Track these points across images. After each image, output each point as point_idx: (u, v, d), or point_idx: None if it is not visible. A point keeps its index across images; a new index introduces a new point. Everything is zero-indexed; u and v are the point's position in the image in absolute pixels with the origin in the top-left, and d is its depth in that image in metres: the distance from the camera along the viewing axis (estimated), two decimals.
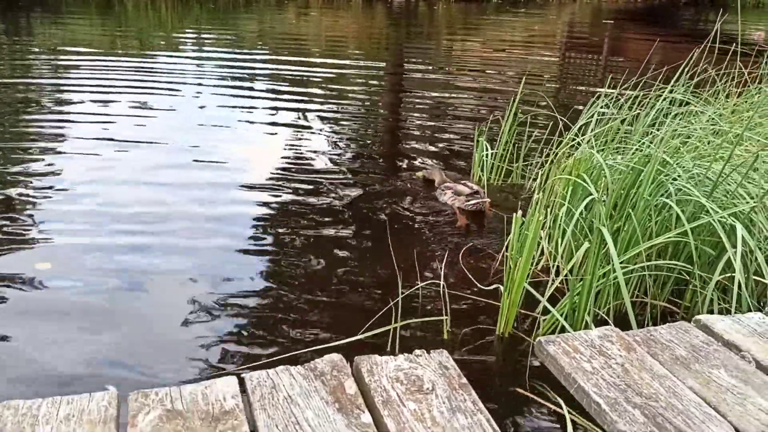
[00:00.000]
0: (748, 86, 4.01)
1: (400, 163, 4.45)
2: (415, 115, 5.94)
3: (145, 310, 2.49)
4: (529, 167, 3.99)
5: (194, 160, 4.36)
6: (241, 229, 3.27)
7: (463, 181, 3.73)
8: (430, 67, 8.58)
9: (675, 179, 2.45)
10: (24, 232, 3.09)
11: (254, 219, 3.42)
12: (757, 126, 3.47)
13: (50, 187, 3.69)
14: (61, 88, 6.41)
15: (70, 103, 5.82)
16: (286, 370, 1.35)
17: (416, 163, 4.43)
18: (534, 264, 2.77)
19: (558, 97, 6.87)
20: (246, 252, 3.02)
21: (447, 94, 6.81)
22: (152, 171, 4.09)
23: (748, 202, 2.31)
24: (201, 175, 4.08)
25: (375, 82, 7.58)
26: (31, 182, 3.79)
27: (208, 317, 2.45)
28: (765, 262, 2.18)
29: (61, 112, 5.48)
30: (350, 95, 6.72)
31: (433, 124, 5.49)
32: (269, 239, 3.18)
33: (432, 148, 4.74)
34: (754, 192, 2.43)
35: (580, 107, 3.83)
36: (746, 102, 3.93)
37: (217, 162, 4.35)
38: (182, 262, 2.88)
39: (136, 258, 2.90)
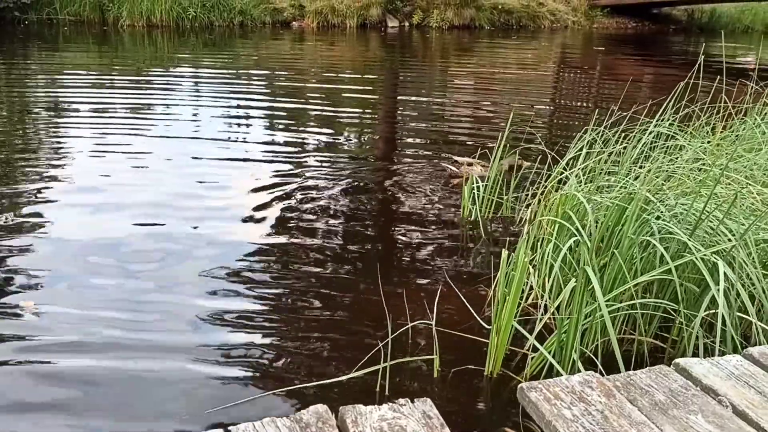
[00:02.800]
0: (734, 119, 4.08)
1: (392, 196, 4.50)
2: (409, 141, 6.04)
3: (122, 346, 2.51)
4: (519, 199, 4.04)
5: (187, 189, 4.43)
6: (227, 262, 3.30)
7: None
8: (424, 95, 8.68)
9: (659, 217, 2.49)
10: (11, 269, 3.11)
11: (241, 251, 3.46)
12: (741, 159, 3.53)
13: (39, 215, 3.73)
14: (56, 120, 6.46)
15: (63, 135, 5.86)
16: (272, 422, 1.37)
17: (408, 195, 4.48)
18: (523, 299, 2.80)
19: (551, 127, 6.96)
20: (230, 287, 3.04)
21: (440, 123, 6.89)
22: (146, 202, 4.14)
23: (730, 239, 2.36)
24: (192, 204, 4.14)
25: (369, 111, 7.67)
26: (19, 212, 3.84)
27: (190, 355, 2.47)
28: (748, 298, 2.22)
29: (54, 144, 5.55)
30: (345, 124, 6.81)
31: (426, 153, 5.55)
32: (255, 273, 3.20)
33: (423, 179, 4.79)
34: (736, 228, 2.47)
35: (575, 134, 3.89)
36: (732, 134, 4.00)
37: (210, 190, 4.41)
38: (165, 297, 2.91)
39: (121, 294, 2.92)
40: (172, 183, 4.61)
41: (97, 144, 5.51)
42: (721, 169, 2.48)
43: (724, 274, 2.14)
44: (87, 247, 3.43)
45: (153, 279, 3.11)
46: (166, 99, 7.68)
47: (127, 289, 2.98)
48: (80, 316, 2.73)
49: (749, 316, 2.20)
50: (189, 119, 6.73)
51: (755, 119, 4.06)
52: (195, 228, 3.77)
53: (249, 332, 2.65)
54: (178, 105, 7.36)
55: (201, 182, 4.60)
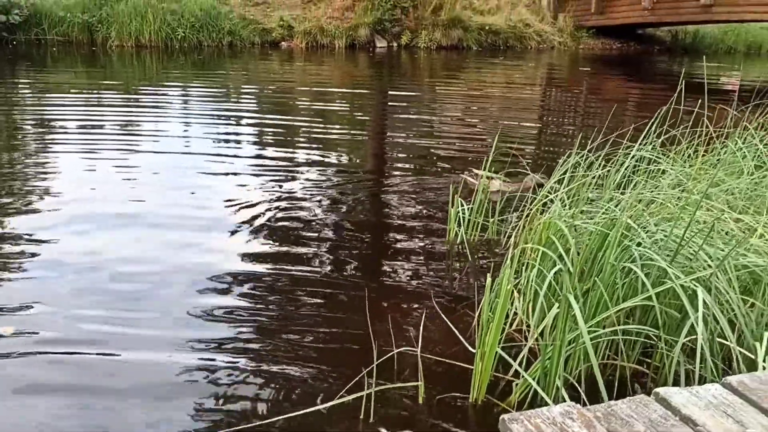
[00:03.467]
0: (715, 142, 4.14)
1: (379, 217, 4.52)
2: (398, 159, 6.13)
3: (100, 369, 2.50)
4: (504, 222, 4.07)
5: (175, 205, 4.48)
6: (210, 283, 3.31)
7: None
8: (413, 113, 8.75)
9: (640, 243, 2.52)
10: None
11: (226, 270, 3.47)
12: (722, 183, 3.58)
13: (29, 236, 3.72)
14: (44, 136, 6.48)
15: (51, 150, 5.88)
16: None
17: (395, 216, 4.50)
18: (508, 324, 2.82)
19: (539, 146, 7.02)
20: (212, 309, 3.04)
21: (429, 141, 6.96)
22: (132, 216, 4.17)
23: (710, 265, 2.39)
24: (179, 220, 4.18)
25: (359, 128, 7.75)
26: (8, 225, 3.84)
27: (171, 378, 2.46)
28: (728, 324, 2.25)
29: (42, 159, 5.58)
30: (334, 141, 6.87)
31: (415, 171, 5.60)
32: (237, 296, 3.21)
33: (412, 199, 4.83)
34: (716, 253, 2.51)
35: (561, 155, 3.93)
36: (714, 157, 4.06)
37: (197, 206, 4.46)
38: (142, 322, 2.91)
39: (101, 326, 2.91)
40: (160, 198, 4.67)
41: (85, 159, 5.57)
42: (700, 196, 2.52)
43: (703, 301, 2.16)
44: (73, 266, 3.44)
45: (134, 303, 3.11)
46: (155, 116, 7.75)
47: (102, 316, 2.97)
48: (57, 337, 2.72)
49: (729, 341, 2.22)
50: (178, 135, 6.84)
51: (736, 142, 4.13)
52: (179, 246, 3.79)
53: (230, 357, 2.64)
54: (167, 122, 7.46)
55: (189, 198, 4.68)
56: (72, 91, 9.65)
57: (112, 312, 3.00)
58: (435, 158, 6.20)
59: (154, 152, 6.00)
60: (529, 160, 5.93)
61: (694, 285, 2.24)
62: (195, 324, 2.91)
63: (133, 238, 3.92)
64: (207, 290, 3.24)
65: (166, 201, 4.65)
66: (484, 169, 4.24)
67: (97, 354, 2.64)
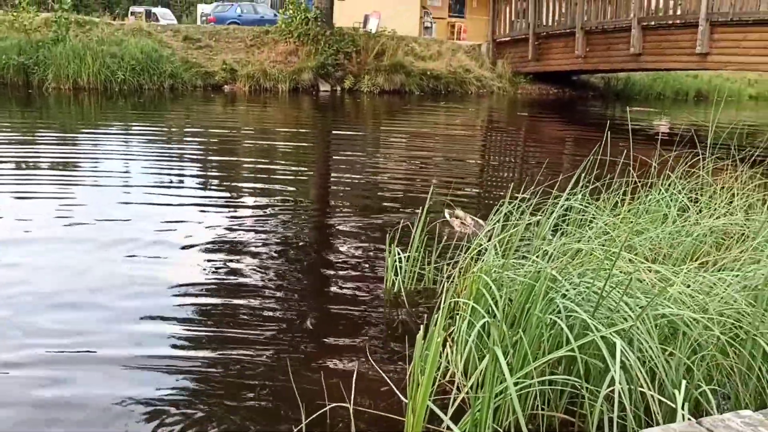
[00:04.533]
0: (640, 190, 4.32)
1: (318, 262, 4.53)
2: (340, 206, 6.17)
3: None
4: (440, 271, 4.13)
5: (113, 255, 4.38)
6: (132, 337, 3.25)
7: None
8: (356, 155, 8.85)
9: (565, 295, 2.61)
10: None
11: (152, 316, 3.46)
12: (646, 231, 3.74)
13: None
14: None
15: None
16: None
17: (334, 262, 4.52)
18: (441, 374, 2.84)
19: (480, 188, 7.17)
20: (133, 373, 2.98)
21: (371, 185, 7.06)
22: (73, 269, 4.08)
23: (630, 316, 2.48)
24: (120, 271, 4.11)
25: (302, 171, 7.81)
26: None
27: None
28: (646, 374, 2.33)
29: None
30: (277, 184, 6.89)
31: (357, 214, 5.65)
32: (159, 350, 3.16)
33: (352, 244, 4.86)
34: (637, 304, 2.61)
35: (499, 198, 4.04)
36: (639, 205, 4.23)
37: (138, 256, 4.38)
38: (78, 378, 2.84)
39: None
40: (96, 231, 4.71)
41: (20, 195, 5.49)
42: (619, 249, 2.62)
43: (622, 352, 2.24)
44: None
45: (60, 336, 3.03)
46: (93, 155, 7.76)
47: (38, 355, 2.89)
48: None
49: (649, 391, 2.30)
50: (117, 173, 6.86)
51: (660, 190, 4.32)
52: (103, 290, 3.78)
53: (147, 423, 2.58)
54: (106, 160, 7.48)
55: (125, 232, 4.72)
56: (5, 130, 9.44)
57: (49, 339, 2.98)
58: (378, 199, 6.28)
59: (93, 186, 6.07)
60: (470, 203, 6.06)
61: (614, 336, 2.32)
62: (121, 375, 2.85)
63: (67, 268, 3.94)
64: (124, 348, 3.17)
65: (103, 234, 4.69)
66: (421, 214, 4.30)
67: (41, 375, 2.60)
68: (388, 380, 2.79)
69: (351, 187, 6.96)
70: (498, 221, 3.88)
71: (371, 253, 4.67)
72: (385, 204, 6.20)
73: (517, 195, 3.92)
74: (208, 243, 4.68)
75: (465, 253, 3.74)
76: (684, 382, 2.33)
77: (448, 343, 2.96)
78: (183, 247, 4.52)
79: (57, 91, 14.20)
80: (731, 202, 4.21)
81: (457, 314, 3.12)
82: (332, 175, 7.96)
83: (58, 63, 14.30)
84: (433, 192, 4.49)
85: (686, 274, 2.90)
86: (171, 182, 6.61)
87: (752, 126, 13.54)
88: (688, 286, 2.75)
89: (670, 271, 2.85)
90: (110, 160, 7.46)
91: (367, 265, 4.46)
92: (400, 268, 4.08)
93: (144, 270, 4.07)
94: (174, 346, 3.18)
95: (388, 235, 4.37)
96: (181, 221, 5.19)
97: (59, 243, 4.49)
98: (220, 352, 3.14)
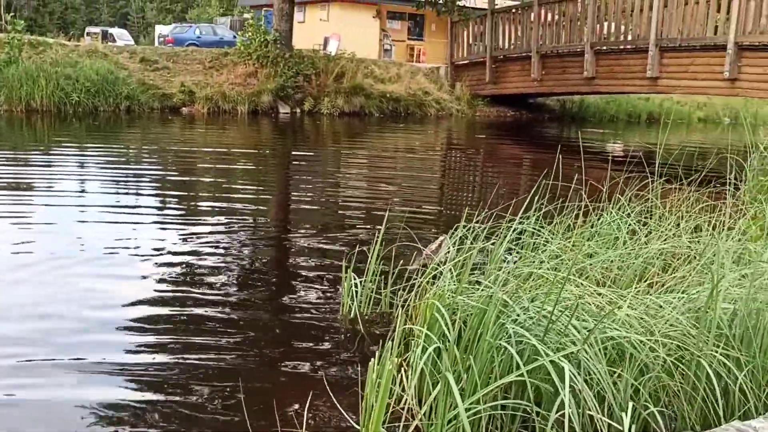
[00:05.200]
0: (591, 214, 4.41)
1: (274, 285, 4.51)
2: (300, 228, 6.18)
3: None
4: (396, 295, 4.14)
5: (68, 272, 4.39)
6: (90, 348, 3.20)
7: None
8: (316, 177, 8.85)
9: (515, 320, 2.64)
10: None
11: (104, 339, 3.42)
12: (596, 254, 3.81)
13: None
14: None
15: None
16: None
17: (291, 287, 4.50)
18: (395, 400, 2.84)
19: (437, 208, 7.22)
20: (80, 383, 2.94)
21: (331, 206, 7.08)
22: (27, 296, 4.01)
23: (579, 340, 2.52)
24: (74, 288, 4.12)
25: (262, 192, 7.79)
26: None
27: None
28: (595, 397, 2.37)
29: None
30: (236, 205, 6.87)
31: (315, 236, 5.66)
32: (102, 377, 3.12)
33: (310, 267, 4.85)
34: (586, 328, 2.65)
35: (455, 220, 4.08)
36: (591, 228, 4.31)
37: (91, 275, 4.36)
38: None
39: None
40: (50, 249, 4.73)
41: None
42: (567, 273, 2.67)
43: (571, 376, 2.28)
44: None
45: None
46: (47, 175, 7.65)
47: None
48: None
49: (596, 414, 2.34)
50: (72, 194, 6.86)
51: (610, 213, 4.41)
52: (57, 304, 3.82)
53: None
54: (60, 180, 7.41)
55: (82, 253, 4.72)
56: None
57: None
58: (337, 222, 6.29)
59: (47, 206, 6.04)
60: (428, 225, 6.10)
61: (562, 360, 2.36)
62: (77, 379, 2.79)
63: (21, 287, 3.96)
64: (87, 349, 3.13)
65: (57, 252, 4.70)
66: (377, 240, 4.31)
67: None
68: (340, 407, 2.78)
69: (310, 209, 6.95)
70: (453, 245, 3.92)
71: (329, 277, 4.67)
72: (344, 227, 6.20)
73: (472, 218, 3.96)
74: (162, 265, 4.65)
75: (421, 278, 3.76)
76: (631, 404, 2.37)
77: (403, 369, 2.96)
78: (137, 268, 4.51)
79: (9, 114, 13.89)
80: (679, 224, 4.32)
81: (412, 340, 3.13)
82: (292, 196, 7.95)
83: (11, 85, 14.00)
84: (389, 217, 4.49)
85: (634, 296, 2.97)
86: (127, 203, 6.54)
87: (702, 147, 13.97)
88: (636, 309, 2.81)
89: (618, 294, 2.91)
90: (65, 181, 7.41)
91: (323, 289, 4.45)
92: (356, 292, 4.08)
93: (97, 289, 4.10)
94: (123, 370, 3.14)
95: (344, 260, 4.38)
96: (137, 241, 5.16)
97: (12, 261, 4.49)
98: (171, 375, 3.11)
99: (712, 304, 2.64)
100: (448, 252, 4.51)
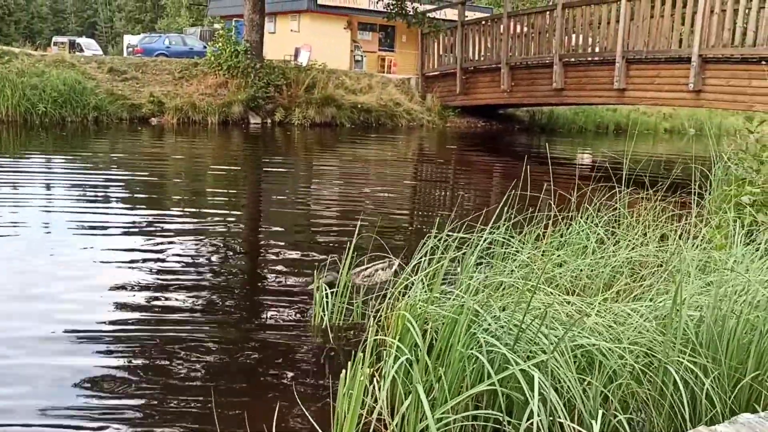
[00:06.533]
0: (560, 223, 4.45)
1: (246, 295, 4.48)
2: (271, 239, 6.15)
3: None
4: (368, 305, 4.13)
5: (30, 294, 4.28)
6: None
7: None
8: (288, 187, 8.81)
9: (487, 329, 2.65)
10: None
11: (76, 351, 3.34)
12: (565, 264, 3.85)
13: None
14: None
15: None
16: None
17: (262, 295, 4.47)
18: (367, 411, 2.83)
19: (409, 219, 7.23)
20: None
21: (303, 217, 7.07)
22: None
23: (549, 348, 2.54)
24: (37, 309, 4.03)
25: (232, 202, 7.75)
26: None
27: None
28: (565, 405, 2.39)
29: None
30: (207, 215, 6.82)
31: (286, 252, 5.62)
32: (82, 387, 3.06)
33: (282, 278, 4.82)
34: (556, 336, 2.67)
35: (426, 232, 4.08)
36: (560, 237, 4.36)
37: (59, 292, 4.30)
38: None
39: None
40: (17, 261, 4.68)
41: None
42: (537, 282, 2.70)
43: (541, 384, 2.29)
44: None
45: None
46: (11, 184, 7.47)
47: None
48: None
49: (566, 421, 2.36)
50: (39, 203, 6.77)
51: (579, 222, 4.47)
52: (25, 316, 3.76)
53: None
54: (26, 189, 7.32)
55: (50, 270, 4.64)
56: None
57: None
58: (308, 232, 6.28)
59: (12, 213, 6.02)
60: (396, 237, 6.11)
61: (532, 368, 2.37)
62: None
63: None
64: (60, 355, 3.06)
65: (24, 264, 4.69)
66: (349, 250, 4.30)
67: None
68: (311, 418, 2.76)
69: (281, 220, 6.92)
70: (425, 255, 3.93)
71: (300, 287, 4.65)
72: (316, 237, 6.19)
73: (443, 228, 3.97)
74: (133, 273, 4.63)
75: (393, 288, 3.76)
76: (601, 411, 2.39)
77: (375, 380, 2.96)
78: (103, 282, 4.43)
79: None
80: (645, 233, 4.39)
81: (384, 350, 3.13)
82: (262, 206, 7.92)
83: None
84: (360, 228, 4.50)
85: (602, 304, 3.00)
86: (93, 218, 6.42)
87: (668, 157, 14.23)
88: (604, 317, 2.85)
89: (587, 302, 2.94)
90: (31, 187, 7.33)
91: (295, 300, 4.43)
92: (328, 303, 4.07)
93: (65, 300, 4.07)
94: (96, 374, 3.11)
95: (316, 270, 4.37)
96: (103, 254, 5.10)
97: None
98: (142, 383, 3.08)
99: (677, 311, 2.68)
100: (386, 279, 4.48)
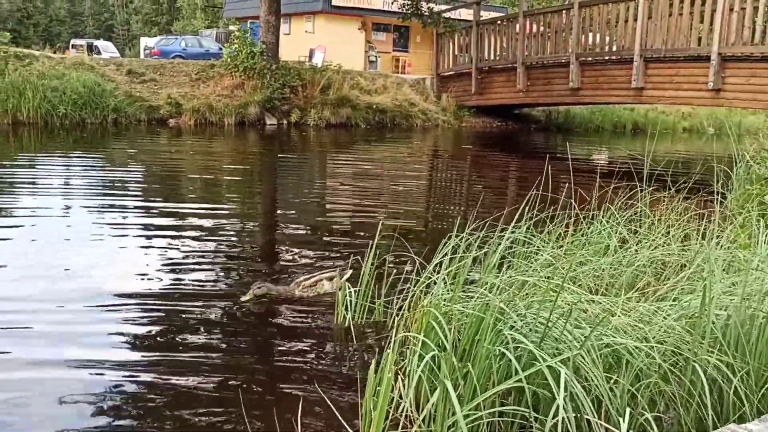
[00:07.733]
0: (582, 222, 4.44)
1: (269, 302, 4.50)
2: (288, 239, 6.19)
3: None
4: (390, 304, 4.15)
5: (48, 276, 4.44)
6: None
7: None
8: (304, 187, 8.85)
9: (512, 326, 2.66)
10: None
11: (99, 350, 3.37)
12: (588, 262, 3.85)
13: None
14: None
15: None
16: None
17: (284, 301, 4.49)
18: (393, 408, 2.85)
19: (425, 223, 7.24)
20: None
21: (320, 218, 7.08)
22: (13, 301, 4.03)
23: (575, 346, 2.55)
24: (50, 293, 4.16)
25: (249, 203, 7.80)
26: None
27: None
28: (592, 403, 2.39)
29: None
30: (225, 217, 6.86)
31: (304, 248, 5.66)
32: (107, 374, 3.11)
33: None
34: (582, 334, 2.68)
35: (446, 232, 4.09)
36: (582, 236, 4.35)
37: (74, 277, 4.46)
38: None
39: None
40: (35, 266, 4.69)
41: None
42: (562, 280, 2.70)
43: (568, 381, 2.30)
44: None
45: None
46: (33, 189, 7.57)
47: None
48: None
49: (594, 419, 2.36)
50: (58, 205, 6.81)
51: (601, 222, 4.46)
52: (44, 313, 3.81)
53: None
54: (47, 192, 7.42)
55: (66, 269, 4.67)
56: None
57: None
58: (327, 232, 6.30)
59: (34, 216, 6.05)
60: (416, 237, 6.12)
61: (559, 365, 2.38)
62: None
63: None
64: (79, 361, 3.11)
65: (45, 262, 4.75)
66: (371, 250, 4.31)
67: None
68: (339, 416, 2.78)
69: (300, 220, 6.96)
70: (446, 254, 3.94)
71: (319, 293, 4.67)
72: (335, 237, 6.21)
73: (463, 227, 3.98)
74: (152, 273, 4.66)
75: (414, 287, 3.77)
76: (628, 409, 2.39)
77: (399, 377, 2.97)
78: (123, 285, 4.46)
79: None
80: (668, 233, 4.37)
81: (408, 348, 3.14)
82: (280, 207, 7.96)
83: None
84: (382, 227, 4.51)
85: (627, 303, 3.00)
86: (113, 214, 6.51)
87: (688, 157, 14.13)
88: (630, 316, 2.84)
89: (611, 301, 2.94)
90: (52, 188, 7.44)
91: (317, 300, 4.45)
92: (350, 302, 4.09)
93: (84, 300, 4.10)
94: (122, 374, 3.15)
95: (338, 270, 4.40)
96: (123, 255, 5.15)
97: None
98: (169, 381, 3.11)
99: (705, 311, 2.67)
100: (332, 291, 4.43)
